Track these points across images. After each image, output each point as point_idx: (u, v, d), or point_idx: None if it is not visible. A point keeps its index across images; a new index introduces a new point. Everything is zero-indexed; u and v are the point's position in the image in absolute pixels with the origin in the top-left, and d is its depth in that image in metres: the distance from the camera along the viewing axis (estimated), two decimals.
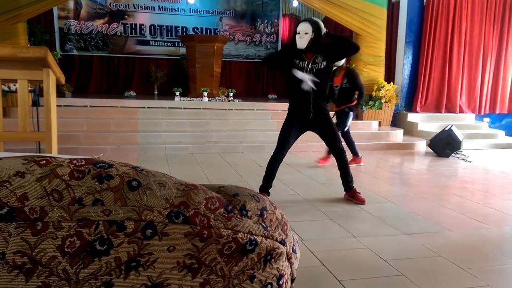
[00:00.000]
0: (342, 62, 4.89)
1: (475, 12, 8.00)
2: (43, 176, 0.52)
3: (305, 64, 3.35)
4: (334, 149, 3.60)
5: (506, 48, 8.28)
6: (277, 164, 3.56)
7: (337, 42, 3.37)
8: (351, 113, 5.07)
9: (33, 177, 0.52)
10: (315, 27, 3.31)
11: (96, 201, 0.52)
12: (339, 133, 4.83)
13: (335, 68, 4.86)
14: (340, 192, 3.94)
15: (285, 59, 3.44)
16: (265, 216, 0.68)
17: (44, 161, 0.54)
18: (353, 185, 3.70)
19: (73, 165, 0.55)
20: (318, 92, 3.42)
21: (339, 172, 3.70)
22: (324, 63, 3.36)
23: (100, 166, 0.56)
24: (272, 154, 3.61)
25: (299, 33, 3.30)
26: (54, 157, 0.56)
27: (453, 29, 7.93)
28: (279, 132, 3.58)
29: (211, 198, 0.61)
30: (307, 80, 3.32)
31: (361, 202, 3.61)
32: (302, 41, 3.30)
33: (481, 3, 8.01)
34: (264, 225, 0.65)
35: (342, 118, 5.03)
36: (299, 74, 3.35)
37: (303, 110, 3.45)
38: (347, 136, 5.10)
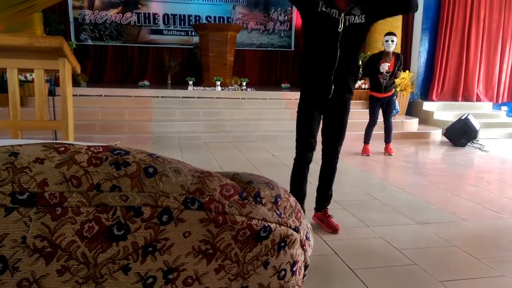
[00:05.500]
0: (393, 47, 4.93)
1: None
2: (62, 163, 0.53)
3: (336, 14, 2.34)
4: (332, 152, 2.66)
5: None
6: (305, 172, 2.61)
7: None
8: (396, 98, 5.48)
9: (52, 163, 0.53)
10: None
11: (113, 187, 0.53)
12: (391, 117, 5.23)
13: (382, 53, 5.01)
14: (353, 181, 3.92)
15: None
16: (279, 203, 0.68)
17: (63, 148, 0.55)
18: (328, 205, 2.80)
19: (91, 152, 0.56)
20: (346, 61, 2.39)
21: (319, 183, 2.81)
22: (363, 18, 2.37)
23: (117, 153, 0.57)
24: (293, 160, 2.64)
25: None
26: (72, 144, 0.57)
27: (471, 15, 7.75)
28: (296, 127, 2.58)
29: (226, 185, 0.62)
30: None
31: (334, 230, 2.67)
32: None
33: None
34: (278, 212, 0.66)
35: (393, 104, 5.26)
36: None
37: (321, 85, 2.45)
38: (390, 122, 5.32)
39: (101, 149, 0.57)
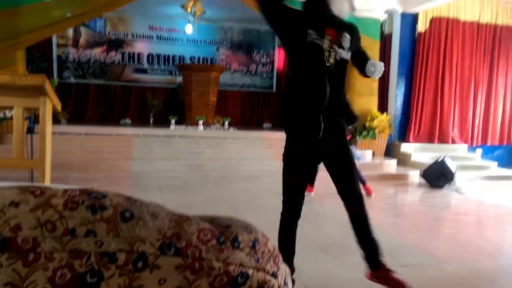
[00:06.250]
0: None
1: (465, 45, 8.22)
2: (37, 207, 0.52)
3: (324, 43, 2.05)
4: (350, 193, 2.27)
5: (496, 80, 8.47)
6: (293, 230, 2.27)
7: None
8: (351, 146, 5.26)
9: (27, 207, 0.52)
10: None
11: (88, 232, 0.52)
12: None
13: None
14: (333, 222, 3.90)
15: (291, 24, 2.09)
16: (257, 248, 0.68)
17: (39, 192, 0.55)
18: (382, 257, 2.26)
19: (67, 196, 0.55)
20: (335, 98, 2.13)
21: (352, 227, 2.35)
22: (349, 54, 2.18)
23: (94, 196, 0.56)
24: (280, 215, 2.27)
25: None
26: (49, 187, 0.57)
27: (444, 62, 8.13)
28: (283, 178, 2.22)
29: (204, 230, 0.62)
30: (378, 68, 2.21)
31: None
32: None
33: (471, 36, 8.25)
34: (256, 257, 0.66)
35: None
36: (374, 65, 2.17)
37: (309, 124, 2.14)
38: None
39: (77, 193, 0.56)
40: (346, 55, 2.14)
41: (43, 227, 0.51)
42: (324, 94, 2.08)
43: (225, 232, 0.65)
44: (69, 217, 0.52)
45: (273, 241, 0.78)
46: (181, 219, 0.61)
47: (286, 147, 2.22)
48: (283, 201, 2.24)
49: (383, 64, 2.21)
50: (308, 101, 2.13)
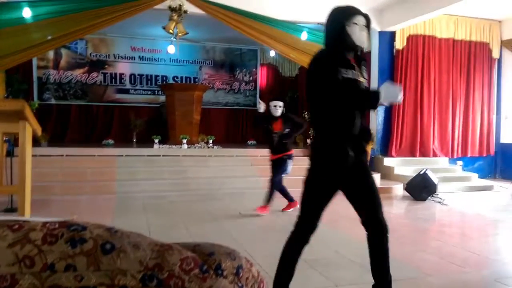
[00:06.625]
0: (280, 112, 4.78)
1: (442, 61, 8.45)
2: (16, 242, 0.51)
3: (355, 75, 2.16)
4: (373, 220, 2.28)
5: (473, 93, 8.70)
6: (300, 252, 2.28)
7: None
8: (290, 161, 4.87)
9: (5, 243, 0.51)
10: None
11: (68, 266, 0.51)
12: (271, 179, 4.71)
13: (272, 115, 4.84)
14: (319, 237, 3.90)
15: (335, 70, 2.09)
16: (241, 274, 0.68)
17: (17, 226, 0.54)
18: None
19: (46, 229, 0.55)
20: (361, 122, 2.23)
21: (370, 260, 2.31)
22: (365, 77, 2.30)
23: (73, 229, 0.56)
24: (291, 234, 2.27)
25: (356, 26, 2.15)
26: (28, 221, 0.56)
27: (422, 77, 8.32)
28: (302, 203, 2.26)
29: (186, 259, 0.61)
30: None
31: None
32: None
33: (447, 52, 8.48)
34: (240, 284, 0.65)
35: (282, 166, 4.78)
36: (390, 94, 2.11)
37: (341, 154, 2.14)
38: (279, 183, 4.83)
39: (57, 225, 0.56)
40: (366, 83, 2.24)
41: (21, 263, 0.50)
42: (353, 124, 2.15)
43: (208, 260, 0.65)
44: (48, 252, 0.52)
45: (258, 261, 0.78)
46: (163, 248, 0.61)
47: (312, 175, 2.22)
48: (298, 224, 2.23)
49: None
50: (341, 133, 2.15)
